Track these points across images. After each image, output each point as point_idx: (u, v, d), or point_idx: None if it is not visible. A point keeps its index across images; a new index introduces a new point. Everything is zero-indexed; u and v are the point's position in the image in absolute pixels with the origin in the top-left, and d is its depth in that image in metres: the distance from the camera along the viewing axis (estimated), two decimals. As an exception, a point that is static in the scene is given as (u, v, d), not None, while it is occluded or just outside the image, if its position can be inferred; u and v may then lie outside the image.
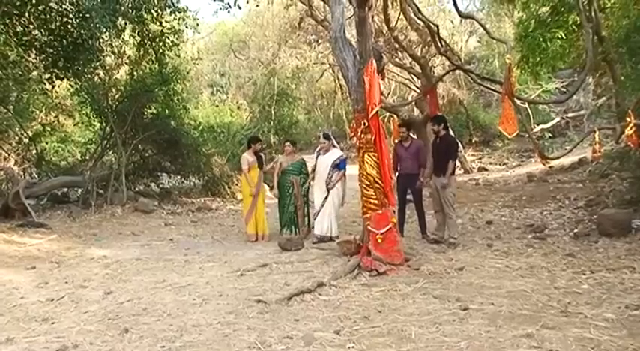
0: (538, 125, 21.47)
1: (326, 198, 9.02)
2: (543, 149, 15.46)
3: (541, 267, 6.53)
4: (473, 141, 26.34)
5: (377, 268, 6.51)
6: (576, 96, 19.55)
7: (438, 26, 12.11)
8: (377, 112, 6.88)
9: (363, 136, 6.95)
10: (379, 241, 6.77)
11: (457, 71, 18.03)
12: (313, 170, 9.35)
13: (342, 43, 7.19)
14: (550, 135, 22.06)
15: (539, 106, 21.87)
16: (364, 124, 6.88)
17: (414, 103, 19.07)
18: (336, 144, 9.46)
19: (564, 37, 10.75)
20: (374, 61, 6.82)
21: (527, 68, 12.23)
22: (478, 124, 26.65)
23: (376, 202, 6.91)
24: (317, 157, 9.29)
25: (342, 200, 9.31)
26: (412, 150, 8.89)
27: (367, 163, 6.93)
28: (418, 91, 20.08)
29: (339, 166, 9.08)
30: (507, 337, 4.29)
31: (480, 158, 24.30)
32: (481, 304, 5.17)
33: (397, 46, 16.59)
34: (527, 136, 14.35)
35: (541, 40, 10.75)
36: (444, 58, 14.86)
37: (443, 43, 12.64)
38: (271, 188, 10.20)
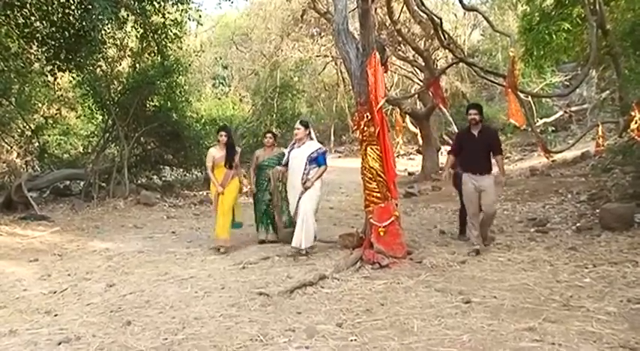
0: (541, 119, 21.44)
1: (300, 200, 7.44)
2: (546, 143, 15.42)
3: (543, 260, 6.52)
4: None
5: (379, 261, 6.50)
6: (579, 90, 19.49)
7: (441, 19, 12.04)
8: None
9: (365, 128, 6.93)
10: (381, 234, 6.76)
11: (460, 64, 17.98)
12: (285, 165, 7.74)
13: (344, 36, 7.17)
14: (553, 129, 22.01)
15: (543, 99, 21.80)
16: (367, 116, 6.86)
17: (416, 96, 19.05)
18: (314, 136, 7.81)
19: (570, 29, 10.69)
20: (377, 54, 6.79)
21: (531, 61, 12.17)
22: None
23: (379, 195, 6.89)
24: (289, 151, 7.73)
25: (317, 204, 7.63)
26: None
27: (370, 156, 6.91)
28: (421, 84, 20.06)
29: (318, 160, 7.49)
30: (510, 330, 4.28)
31: (482, 152, 24.15)
32: (483, 298, 5.16)
33: (400, 39, 16.55)
34: (530, 129, 14.33)
35: (545, 33, 10.69)
36: (447, 51, 14.81)
37: (446, 36, 12.58)
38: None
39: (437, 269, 6.39)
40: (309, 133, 7.71)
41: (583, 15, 10.43)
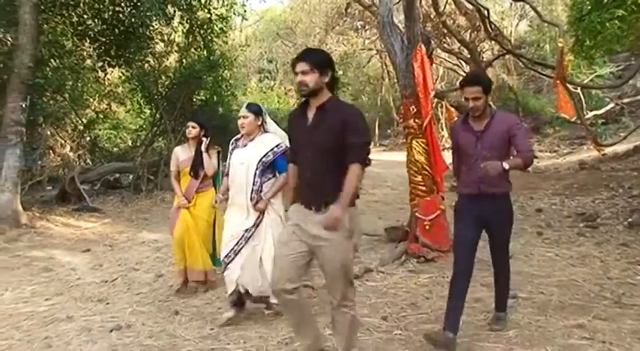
0: (591, 111, 20.90)
1: (254, 227, 4.69)
2: (596, 136, 15.01)
3: (593, 256, 6.37)
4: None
5: (425, 255, 6.47)
6: (633, 80, 18.89)
7: (488, 10, 11.85)
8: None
9: (411, 122, 6.88)
10: (427, 227, 6.71)
11: (507, 56, 17.67)
12: (226, 174, 5.01)
13: (389, 28, 7.12)
14: (603, 121, 21.41)
15: (593, 91, 21.22)
16: (412, 110, 6.82)
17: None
18: (269, 127, 4.92)
19: (624, 16, 10.33)
20: (422, 46, 6.74)
21: (581, 52, 11.85)
22: (528, 110, 26.06)
23: (424, 188, 6.84)
24: (231, 152, 4.94)
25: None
26: (492, 135, 4.02)
27: (415, 149, 6.86)
28: (467, 76, 19.80)
29: (277, 164, 4.73)
30: (558, 327, 4.21)
31: (529, 145, 23.77)
32: (530, 293, 5.09)
33: (445, 31, 16.34)
34: (579, 122, 14.00)
35: (597, 22, 10.38)
36: (492, 42, 14.58)
37: (493, 27, 12.36)
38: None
39: (482, 263, 6.28)
40: (262, 123, 4.86)
41: (639, 1, 10.10)
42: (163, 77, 14.87)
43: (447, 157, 8.39)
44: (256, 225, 4.69)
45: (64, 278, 6.51)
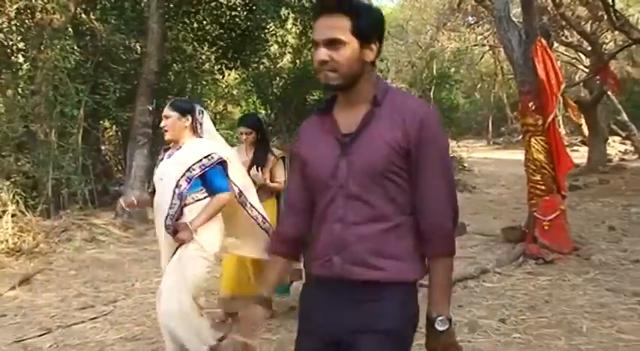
0: None
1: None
2: None
3: None
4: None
5: (543, 257, 6.24)
6: None
7: (613, -3, 11.15)
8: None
9: (529, 119, 6.66)
10: (546, 228, 6.47)
11: (632, 47, 16.55)
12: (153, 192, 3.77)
13: (506, 23, 6.93)
14: None
15: None
16: (531, 106, 6.59)
17: (581, 83, 17.92)
18: (206, 132, 3.79)
19: None
20: (542, 40, 6.50)
21: None
22: (656, 104, 24.34)
23: (543, 187, 6.59)
24: (158, 164, 3.78)
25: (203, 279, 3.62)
26: (374, 145, 1.73)
27: (534, 147, 6.62)
28: (586, 70, 18.85)
29: (210, 181, 3.56)
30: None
31: (658, 142, 22.25)
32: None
33: (563, 23, 15.59)
34: None
35: None
36: (616, 33, 13.70)
37: (618, 16, 11.60)
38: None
39: (607, 267, 5.99)
40: (193, 125, 3.70)
41: None
42: (278, 78, 15.32)
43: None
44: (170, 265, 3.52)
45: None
